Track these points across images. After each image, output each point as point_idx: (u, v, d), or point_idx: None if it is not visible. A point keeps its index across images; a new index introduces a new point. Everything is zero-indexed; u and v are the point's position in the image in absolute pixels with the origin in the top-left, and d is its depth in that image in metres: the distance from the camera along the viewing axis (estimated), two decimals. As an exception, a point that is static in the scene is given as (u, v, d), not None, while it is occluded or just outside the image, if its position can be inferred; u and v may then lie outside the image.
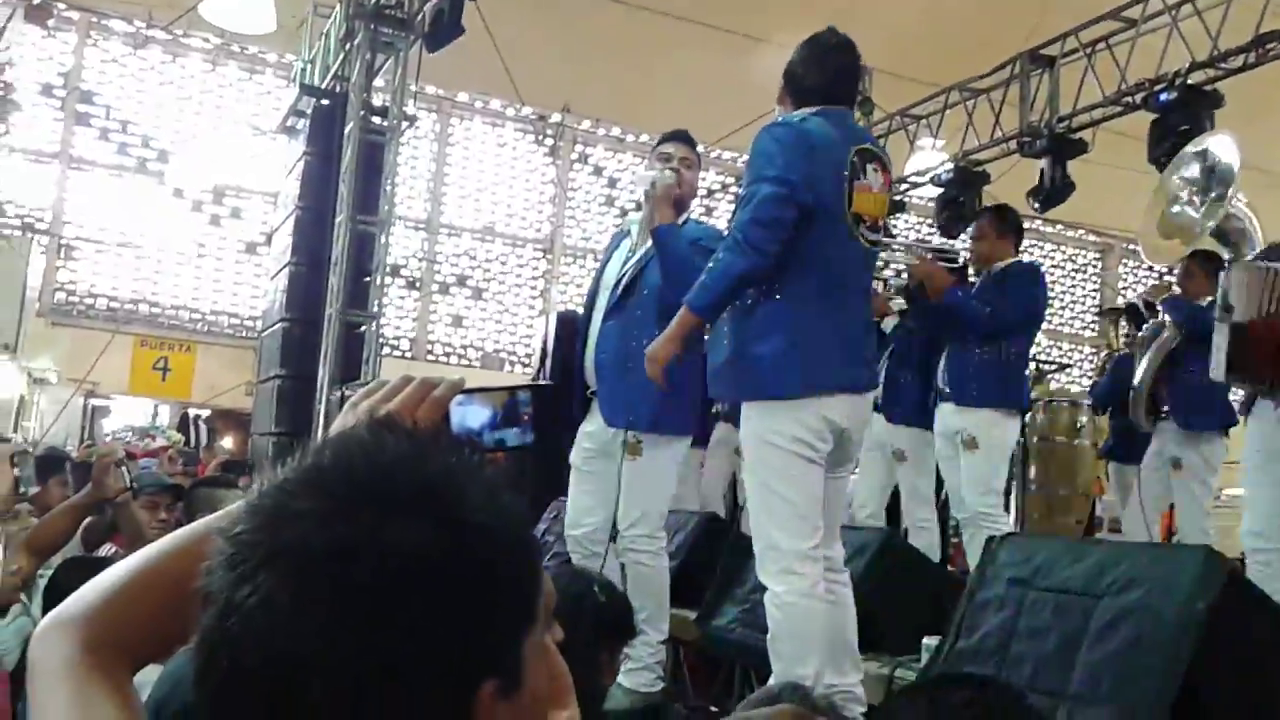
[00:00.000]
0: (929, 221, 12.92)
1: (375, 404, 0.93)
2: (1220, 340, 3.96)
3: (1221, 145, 4.23)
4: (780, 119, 3.04)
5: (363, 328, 7.89)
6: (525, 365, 12.63)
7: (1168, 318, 5.27)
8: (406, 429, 0.73)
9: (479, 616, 0.64)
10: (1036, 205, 8.22)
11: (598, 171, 14.08)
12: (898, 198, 9.65)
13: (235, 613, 0.63)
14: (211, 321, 12.38)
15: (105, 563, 0.95)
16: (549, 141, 13.82)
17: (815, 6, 6.68)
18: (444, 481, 0.67)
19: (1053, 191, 8.06)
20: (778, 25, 8.65)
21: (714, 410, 6.18)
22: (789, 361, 2.88)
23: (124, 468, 3.36)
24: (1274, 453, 3.95)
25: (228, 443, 11.43)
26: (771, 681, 2.79)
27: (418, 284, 13.16)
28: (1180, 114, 6.69)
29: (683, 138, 3.88)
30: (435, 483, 0.67)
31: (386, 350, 11.26)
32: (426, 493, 0.66)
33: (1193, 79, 7.08)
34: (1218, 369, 3.92)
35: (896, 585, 3.73)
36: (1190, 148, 4.40)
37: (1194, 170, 4.17)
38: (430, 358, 13.01)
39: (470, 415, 0.97)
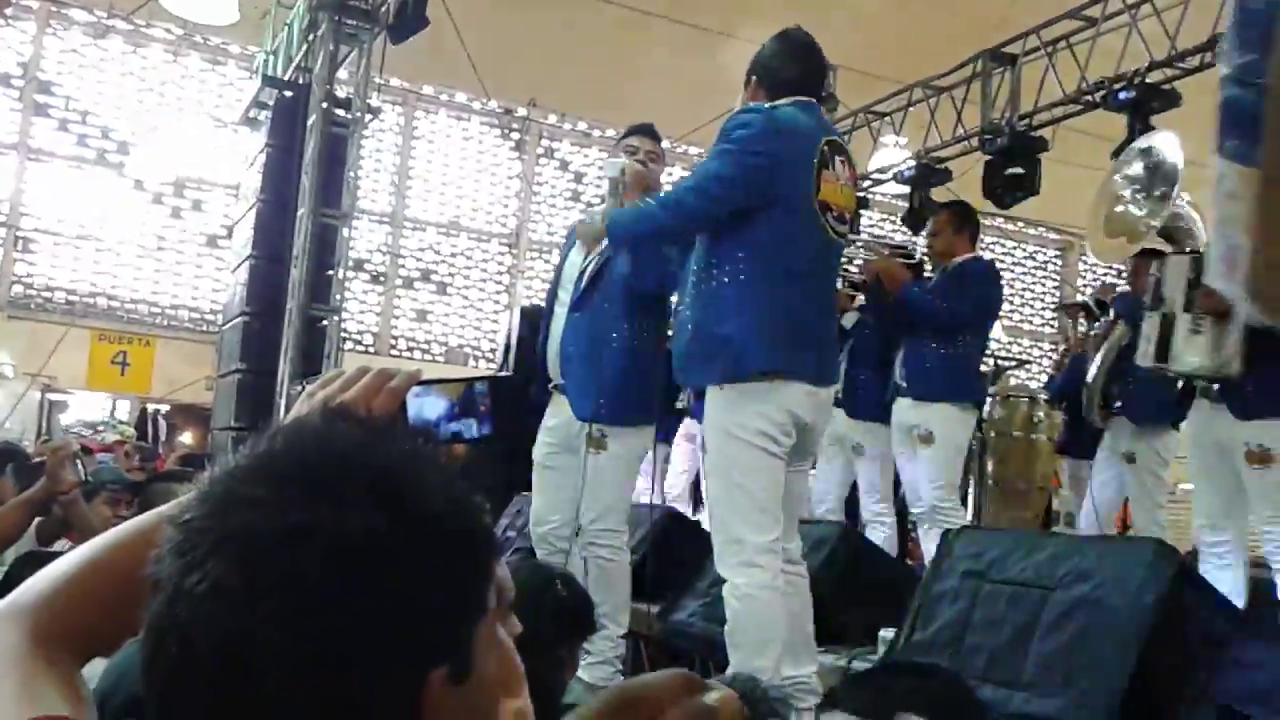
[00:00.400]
0: (891, 218, 13.02)
1: (331, 394, 0.93)
2: (1149, 330, 4.10)
3: (1165, 144, 4.31)
4: (752, 105, 3.07)
5: (324, 322, 7.84)
6: (490, 360, 12.60)
7: (1118, 314, 5.36)
8: (360, 418, 0.73)
9: (428, 604, 0.65)
10: (996, 198, 8.28)
11: (564, 166, 14.06)
12: (860, 194, 9.71)
13: (184, 599, 0.63)
14: (171, 315, 12.25)
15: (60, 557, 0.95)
16: (515, 136, 13.78)
17: (781, 3, 6.71)
18: (395, 470, 0.67)
19: (1027, 184, 8.08)
20: (744, 21, 8.69)
21: (678, 405, 6.21)
22: (750, 344, 2.91)
23: (78, 462, 3.33)
24: (1212, 446, 4.04)
25: (187, 438, 11.33)
26: (729, 673, 2.82)
27: (381, 278, 13.09)
28: (1140, 113, 6.79)
29: (648, 131, 3.89)
30: (386, 472, 0.67)
31: (349, 345, 11.20)
32: (377, 481, 0.66)
33: (1151, 78, 7.18)
34: (1145, 357, 4.05)
35: (853, 578, 3.77)
36: (1133, 146, 4.48)
37: (1138, 169, 4.25)
38: (394, 352, 12.95)
39: (427, 406, 0.98)
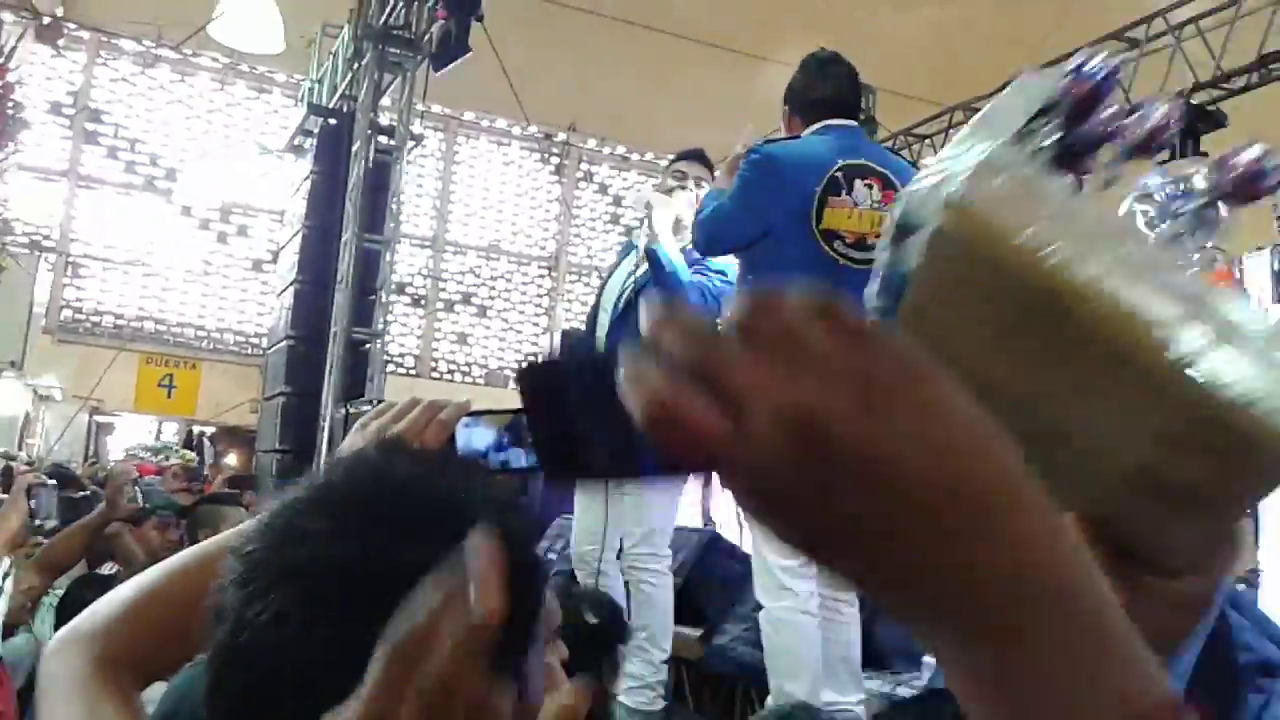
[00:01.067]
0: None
1: (384, 425, 0.95)
2: None
3: None
4: (762, 142, 3.10)
5: (367, 345, 7.92)
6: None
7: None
8: (414, 450, 0.74)
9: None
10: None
11: (603, 190, 14.13)
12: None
13: (247, 629, 0.65)
14: (217, 339, 12.42)
15: (113, 580, 0.98)
16: (555, 160, 13.88)
17: (820, 26, 6.74)
18: (450, 502, 0.68)
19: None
20: (782, 45, 8.71)
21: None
22: None
23: (136, 488, 3.38)
24: None
25: (233, 460, 11.45)
26: (770, 700, 2.81)
27: (423, 301, 13.20)
28: (1184, 134, 6.74)
29: (698, 156, 3.90)
30: (442, 503, 0.68)
31: (391, 368, 11.29)
32: (433, 513, 0.67)
33: (1197, 99, 7.12)
34: None
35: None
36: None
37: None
38: (435, 375, 13.03)
39: (476, 437, 0.98)
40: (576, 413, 0.47)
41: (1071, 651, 0.36)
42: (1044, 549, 0.37)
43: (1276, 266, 4.00)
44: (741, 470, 0.38)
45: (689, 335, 0.38)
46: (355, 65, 8.50)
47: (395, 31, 8.17)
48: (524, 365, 0.48)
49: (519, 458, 0.99)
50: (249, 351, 12.18)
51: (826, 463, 0.36)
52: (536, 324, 13.60)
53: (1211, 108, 7.06)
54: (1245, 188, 4.22)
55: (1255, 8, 7.17)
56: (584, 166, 14.03)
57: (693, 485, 5.55)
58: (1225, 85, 7.14)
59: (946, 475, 0.36)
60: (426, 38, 7.92)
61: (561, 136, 13.57)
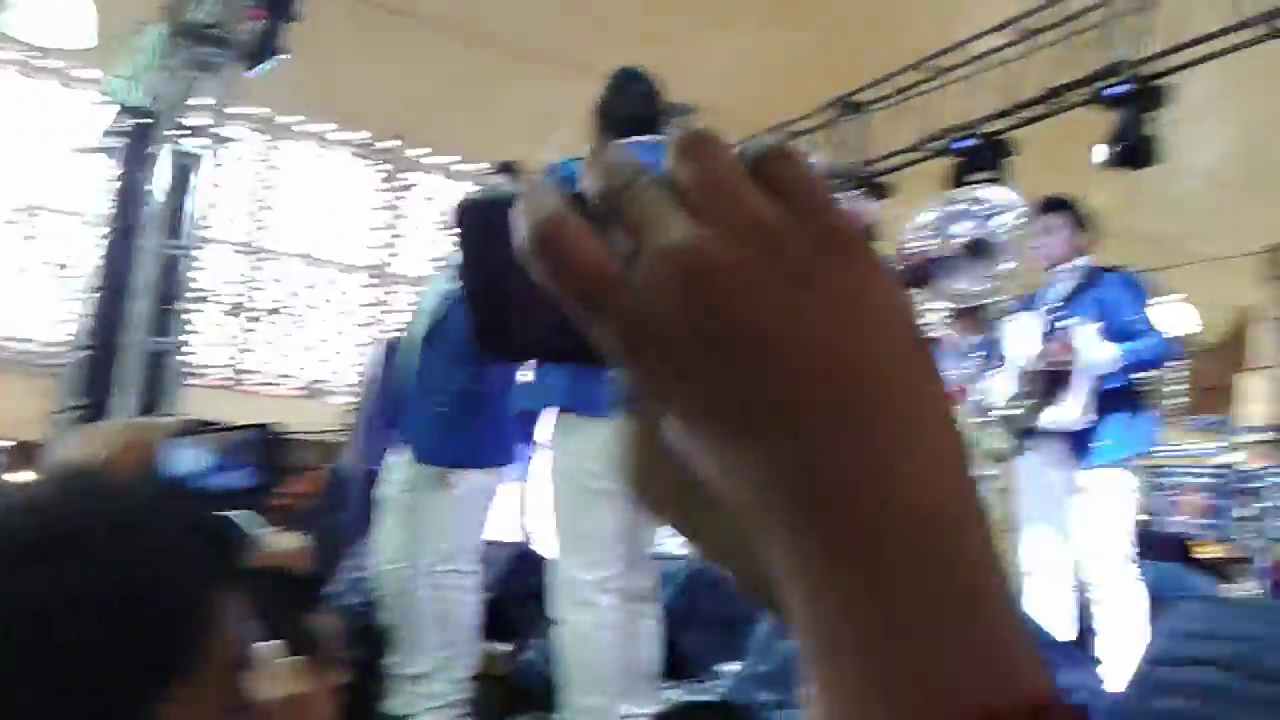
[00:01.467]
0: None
1: (87, 449, 0.92)
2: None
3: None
4: (567, 159, 3.12)
5: (166, 356, 7.59)
6: (350, 395, 12.35)
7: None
8: (68, 476, 0.72)
9: (90, 670, 0.63)
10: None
11: (430, 199, 13.93)
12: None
13: None
14: (12, 348, 11.68)
15: None
16: (383, 167, 13.61)
17: (645, 43, 6.81)
18: (67, 533, 0.66)
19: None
20: (609, 57, 8.77)
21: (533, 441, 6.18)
22: (549, 379, 2.97)
23: None
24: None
25: (26, 476, 10.80)
26: (565, 715, 2.81)
27: (237, 310, 12.72)
28: (975, 161, 7.12)
29: (510, 170, 3.91)
30: (56, 534, 0.66)
31: (199, 379, 10.86)
32: (44, 544, 0.65)
33: (995, 126, 7.52)
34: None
35: (702, 614, 3.80)
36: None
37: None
38: (247, 387, 12.57)
39: (183, 459, 0.95)
40: (513, 271, 0.39)
41: (943, 598, 0.31)
42: (935, 472, 0.32)
43: (1047, 328, 4.21)
44: (619, 311, 0.33)
45: (609, 169, 0.35)
46: (166, 64, 8.14)
47: (207, 29, 7.87)
48: (461, 202, 0.41)
49: (232, 479, 0.97)
50: (45, 362, 11.48)
51: (715, 324, 0.32)
52: (357, 335, 13.29)
53: (1005, 137, 7.45)
54: (917, 272, 4.55)
55: (1048, 42, 7.61)
56: (411, 175, 13.81)
57: (504, 499, 5.51)
58: (1019, 114, 7.54)
59: (849, 372, 0.32)
60: (240, 37, 7.67)
61: (388, 144, 13.33)
